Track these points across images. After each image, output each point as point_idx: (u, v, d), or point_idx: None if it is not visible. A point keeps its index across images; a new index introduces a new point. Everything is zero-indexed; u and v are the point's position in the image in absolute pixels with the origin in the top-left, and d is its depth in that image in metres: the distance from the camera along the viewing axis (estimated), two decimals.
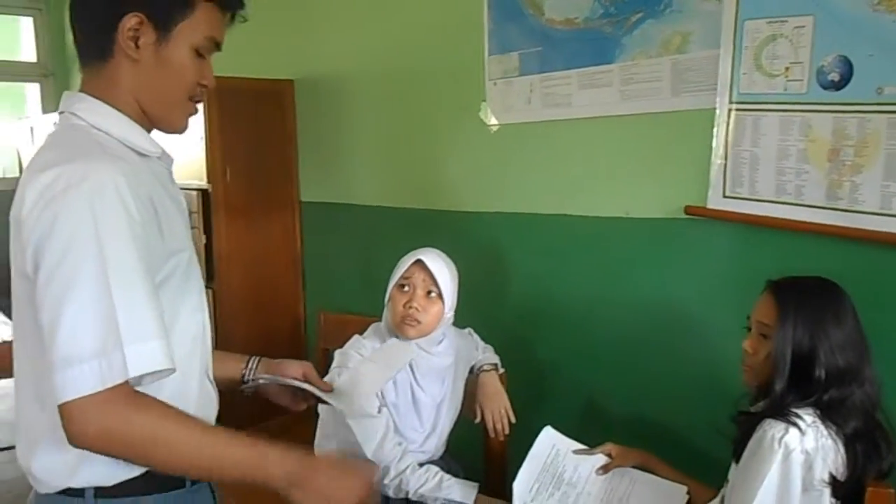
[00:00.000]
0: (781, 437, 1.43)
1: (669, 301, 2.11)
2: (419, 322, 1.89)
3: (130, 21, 1.12)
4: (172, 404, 1.12)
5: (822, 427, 1.45)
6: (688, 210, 2.00)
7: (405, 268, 1.92)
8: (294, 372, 1.48)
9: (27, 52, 6.15)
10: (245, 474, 1.12)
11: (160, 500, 1.18)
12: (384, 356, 1.84)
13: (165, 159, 1.25)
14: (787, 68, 1.76)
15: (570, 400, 2.39)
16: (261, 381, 1.43)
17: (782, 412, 1.46)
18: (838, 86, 1.68)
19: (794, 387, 1.49)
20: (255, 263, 3.33)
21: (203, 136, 3.06)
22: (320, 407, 2.03)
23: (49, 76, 6.08)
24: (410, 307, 1.89)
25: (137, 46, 1.14)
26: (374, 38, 3.00)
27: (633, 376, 2.22)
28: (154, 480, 1.16)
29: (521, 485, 1.85)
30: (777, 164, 1.80)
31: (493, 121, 2.53)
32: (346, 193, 3.23)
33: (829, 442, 1.45)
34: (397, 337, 1.95)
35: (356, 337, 2.02)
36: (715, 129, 1.91)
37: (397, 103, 2.94)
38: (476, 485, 1.90)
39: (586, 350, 2.34)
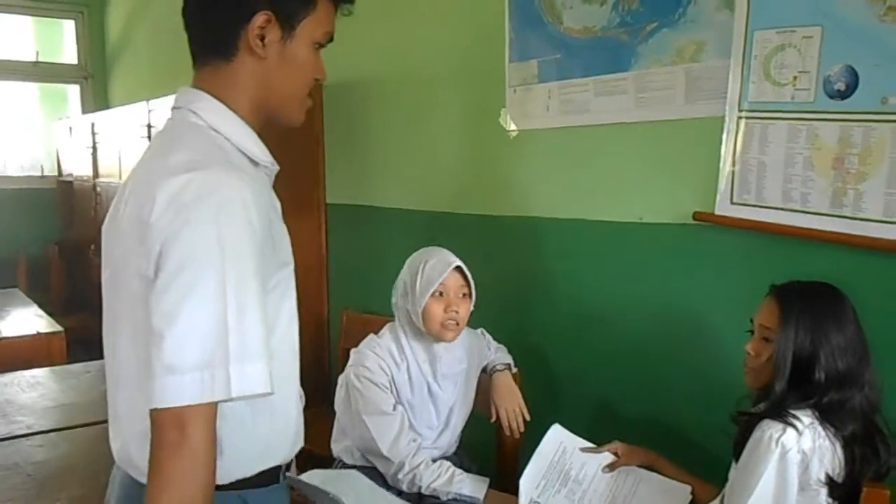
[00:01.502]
0: (779, 438, 1.47)
1: (680, 305, 2.14)
2: (458, 324, 1.96)
3: (259, 19, 1.13)
4: (280, 409, 1.18)
5: (819, 428, 1.48)
6: (696, 216, 2.03)
7: (443, 277, 1.94)
8: None
9: (69, 54, 6.33)
10: None
11: (260, 495, 1.21)
12: None
13: (273, 167, 1.25)
14: (794, 77, 1.80)
15: (581, 398, 2.44)
16: None
17: (780, 413, 1.49)
18: (844, 95, 1.71)
19: (795, 388, 1.52)
20: None
21: None
22: (336, 405, 2.09)
23: (89, 78, 6.26)
24: (452, 311, 1.94)
25: (264, 44, 1.15)
26: (400, 45, 3.08)
27: (644, 377, 2.26)
28: (260, 478, 1.20)
29: (528, 481, 1.90)
30: (784, 171, 1.83)
31: (513, 127, 2.58)
32: (371, 196, 3.30)
33: (827, 443, 1.48)
34: (421, 339, 2.00)
35: (371, 336, 2.08)
36: (724, 137, 1.95)
37: (421, 109, 3.01)
38: (487, 479, 1.95)
39: (600, 351, 2.38)
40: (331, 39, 1.22)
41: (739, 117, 1.92)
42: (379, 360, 2.00)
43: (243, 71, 1.16)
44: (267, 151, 1.22)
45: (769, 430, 1.49)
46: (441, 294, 1.94)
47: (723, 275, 2.03)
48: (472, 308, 2.00)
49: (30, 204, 5.85)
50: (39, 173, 6.10)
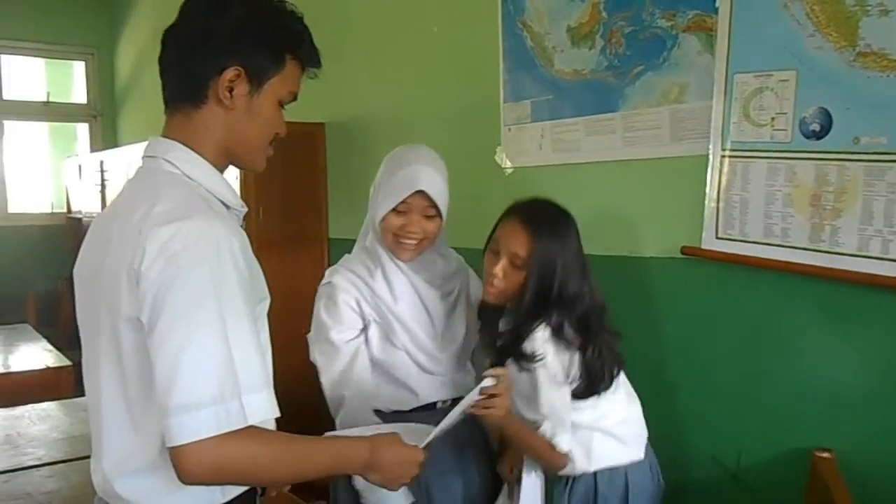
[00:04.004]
0: (545, 338, 1.65)
1: (669, 336, 2.20)
2: (417, 244, 1.79)
3: (230, 73, 1.20)
4: None
5: (554, 339, 1.66)
6: (684, 250, 2.10)
7: (404, 195, 1.75)
8: None
9: (78, 94, 6.48)
10: (330, 472, 1.31)
11: None
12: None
13: (241, 210, 1.32)
14: (772, 118, 1.88)
15: None
16: None
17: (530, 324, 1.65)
18: (819, 135, 1.80)
19: (538, 305, 1.67)
20: (285, 296, 3.46)
21: (238, 175, 3.25)
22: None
23: (98, 117, 6.40)
24: (409, 231, 1.77)
25: (231, 96, 1.22)
26: (400, 84, 3.20)
27: None
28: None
29: None
30: (765, 207, 1.91)
31: (508, 164, 2.68)
32: None
33: (563, 348, 1.66)
34: (392, 257, 1.82)
35: (345, 259, 1.90)
36: (708, 175, 2.03)
37: None
38: None
39: None
40: (294, 99, 1.31)
41: (722, 156, 2.00)
42: (348, 274, 1.82)
43: (211, 118, 1.24)
44: (237, 195, 1.31)
45: (537, 336, 1.64)
46: (403, 212, 1.76)
47: (710, 307, 2.10)
48: (442, 226, 1.83)
49: (39, 240, 5.96)
50: (49, 210, 6.22)
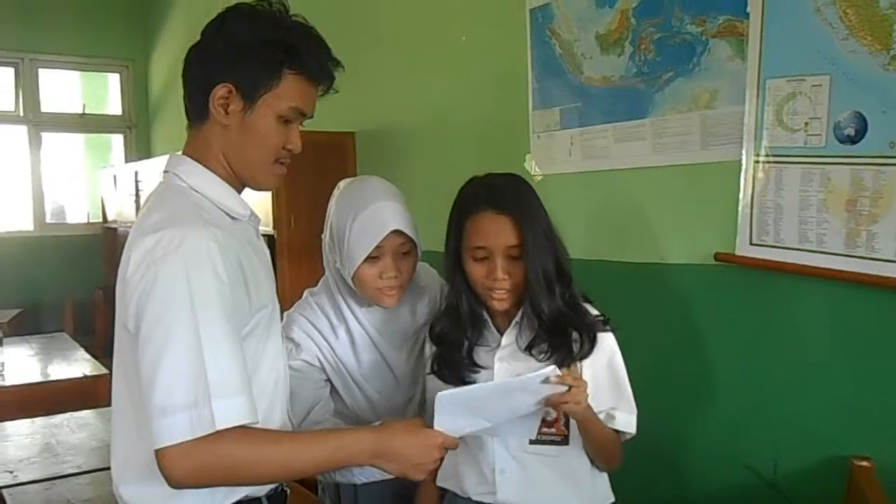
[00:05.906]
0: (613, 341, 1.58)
1: (703, 344, 2.18)
2: (400, 287, 1.63)
3: (221, 90, 1.24)
4: None
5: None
6: (718, 256, 2.08)
7: (378, 240, 1.57)
8: None
9: (113, 105, 6.58)
10: (332, 466, 1.27)
11: None
12: None
13: (253, 220, 1.35)
14: (806, 123, 1.86)
15: None
16: None
17: (586, 316, 1.57)
18: (854, 140, 1.77)
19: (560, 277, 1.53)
20: None
21: None
22: None
23: (132, 128, 6.50)
24: (388, 278, 1.60)
25: (227, 113, 1.24)
26: (429, 94, 3.21)
27: (663, 413, 2.28)
28: None
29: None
30: (799, 213, 1.89)
31: (538, 171, 2.67)
32: None
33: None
34: (358, 297, 1.67)
35: (307, 294, 1.77)
36: (741, 181, 2.01)
37: (450, 154, 3.12)
38: None
39: None
40: (302, 114, 1.30)
41: (756, 161, 1.98)
42: (309, 329, 1.68)
43: (212, 135, 1.28)
44: (246, 205, 1.32)
45: (608, 340, 1.58)
46: (376, 257, 1.59)
47: (744, 314, 2.07)
48: (418, 260, 1.68)
49: (76, 250, 6.07)
50: (85, 220, 6.33)
